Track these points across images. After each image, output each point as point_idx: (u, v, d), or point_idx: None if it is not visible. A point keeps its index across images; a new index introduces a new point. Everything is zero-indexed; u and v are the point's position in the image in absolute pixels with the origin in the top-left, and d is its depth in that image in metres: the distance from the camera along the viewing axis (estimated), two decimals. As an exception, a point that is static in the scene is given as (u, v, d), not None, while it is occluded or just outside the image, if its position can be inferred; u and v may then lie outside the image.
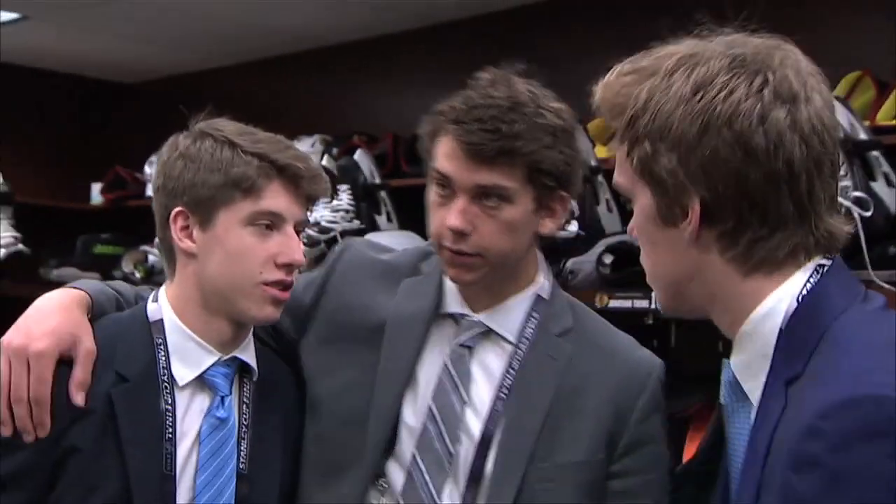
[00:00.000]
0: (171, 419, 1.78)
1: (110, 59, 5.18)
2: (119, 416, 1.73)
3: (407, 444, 1.86)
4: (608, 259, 3.12)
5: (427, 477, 1.84)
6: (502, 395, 1.86)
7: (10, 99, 5.27)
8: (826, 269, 1.42)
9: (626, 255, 3.09)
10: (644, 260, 1.54)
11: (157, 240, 4.62)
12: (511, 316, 1.90)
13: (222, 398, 1.82)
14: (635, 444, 1.86)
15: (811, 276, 1.41)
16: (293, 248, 1.80)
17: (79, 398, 1.71)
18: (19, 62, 5.18)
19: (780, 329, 1.41)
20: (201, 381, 1.82)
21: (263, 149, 1.78)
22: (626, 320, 2.96)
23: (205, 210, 1.78)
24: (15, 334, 1.75)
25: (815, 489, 1.30)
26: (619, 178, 1.50)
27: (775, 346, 1.41)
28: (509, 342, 1.90)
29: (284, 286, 1.80)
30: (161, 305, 1.85)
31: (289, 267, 1.79)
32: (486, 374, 1.90)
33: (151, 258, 4.45)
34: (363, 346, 1.91)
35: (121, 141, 5.36)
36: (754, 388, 1.44)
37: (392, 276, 1.95)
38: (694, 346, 3.07)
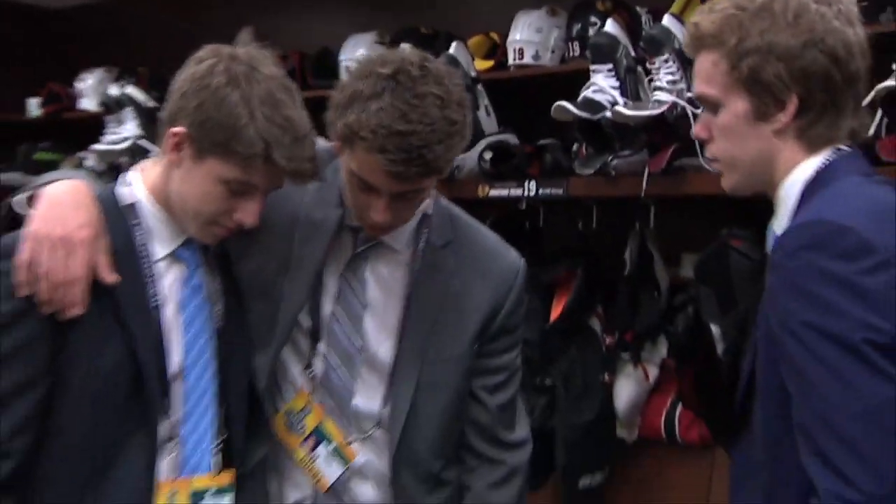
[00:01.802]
0: (153, 288, 1.81)
1: None
2: (116, 287, 1.75)
3: (322, 343, 1.96)
4: (488, 155, 3.35)
5: (339, 367, 1.96)
6: (402, 301, 1.97)
7: None
8: (843, 152, 1.66)
9: (503, 152, 3.37)
10: (725, 153, 1.71)
11: (102, 142, 4.39)
12: (403, 230, 1.96)
13: (193, 269, 1.86)
14: (501, 332, 2.02)
15: (829, 157, 1.65)
16: (253, 213, 1.79)
17: (111, 278, 1.75)
18: None
19: (801, 192, 1.65)
20: (174, 256, 1.84)
21: (272, 135, 1.72)
22: (503, 206, 3.32)
23: (200, 148, 1.75)
24: (50, 224, 1.72)
25: (776, 284, 1.57)
26: (706, 89, 1.68)
27: (796, 203, 1.65)
28: (397, 251, 1.98)
29: (229, 231, 1.82)
30: (135, 190, 1.85)
31: (240, 225, 1.80)
32: (379, 280, 1.98)
33: (87, 163, 4.43)
34: (275, 235, 1.94)
35: (50, 57, 5.29)
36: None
37: None
38: (558, 226, 3.39)
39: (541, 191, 3.26)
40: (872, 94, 2.53)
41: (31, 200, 1.80)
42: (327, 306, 1.95)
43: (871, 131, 2.60)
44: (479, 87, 3.52)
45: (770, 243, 1.71)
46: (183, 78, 1.79)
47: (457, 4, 3.86)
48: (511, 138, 3.46)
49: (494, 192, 3.33)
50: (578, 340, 3.24)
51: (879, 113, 2.57)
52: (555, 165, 3.28)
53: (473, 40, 3.65)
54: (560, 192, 3.22)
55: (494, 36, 3.66)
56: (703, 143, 1.79)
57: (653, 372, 3.17)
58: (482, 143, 3.43)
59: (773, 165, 1.68)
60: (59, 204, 1.75)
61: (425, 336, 1.95)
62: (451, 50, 3.47)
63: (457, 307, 1.97)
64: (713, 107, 1.69)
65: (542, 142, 3.36)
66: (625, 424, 3.21)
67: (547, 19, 3.47)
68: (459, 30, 3.66)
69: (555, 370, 3.22)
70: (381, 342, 1.96)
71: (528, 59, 3.46)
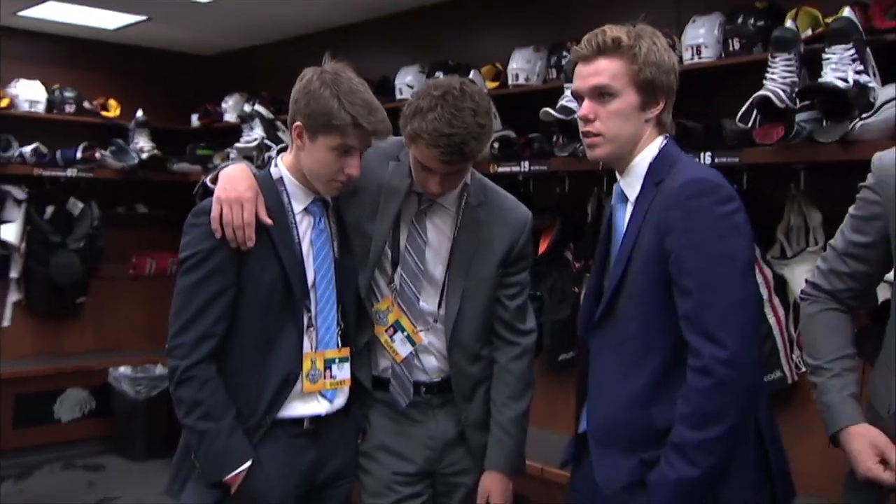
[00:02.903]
0: (295, 230, 1.82)
1: (196, 40, 5.12)
2: (270, 230, 1.77)
3: (399, 267, 1.93)
4: (496, 145, 3.35)
5: (409, 284, 1.93)
6: (452, 242, 1.94)
7: (141, 68, 5.23)
8: (669, 138, 1.66)
9: (506, 143, 3.36)
10: (609, 130, 1.60)
11: (240, 141, 4.38)
12: (451, 195, 1.93)
13: (319, 218, 1.86)
14: (517, 259, 1.99)
15: (665, 139, 1.65)
16: (356, 166, 1.78)
17: (268, 221, 1.77)
18: (147, 45, 5.21)
19: (650, 163, 1.62)
20: (306, 211, 1.84)
21: (356, 111, 1.71)
22: (506, 178, 3.27)
23: (312, 132, 1.75)
24: (227, 190, 1.75)
25: (675, 219, 1.51)
26: (609, 82, 1.59)
27: (647, 170, 1.61)
28: (448, 209, 1.94)
29: (344, 184, 1.81)
30: (280, 169, 1.84)
31: (350, 176, 1.79)
32: (434, 227, 1.94)
33: (232, 155, 4.39)
34: (368, 195, 1.92)
35: (205, 88, 5.31)
36: (632, 192, 1.63)
37: (385, 157, 1.95)
38: (543, 191, 3.37)
39: (532, 167, 3.26)
40: (751, 100, 2.55)
41: (214, 179, 1.84)
42: (402, 243, 1.93)
43: (749, 123, 2.62)
44: (490, 100, 3.53)
45: (614, 198, 1.67)
46: (294, 91, 1.79)
47: (472, 44, 3.84)
48: (510, 133, 3.46)
49: (501, 169, 3.33)
50: (557, 265, 3.24)
51: (755, 112, 2.54)
52: (541, 150, 3.27)
53: (484, 68, 3.64)
54: (545, 168, 3.22)
55: (499, 65, 3.65)
56: (585, 122, 1.64)
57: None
58: (492, 137, 3.29)
59: (635, 143, 1.63)
60: (232, 178, 1.79)
61: (467, 264, 1.93)
62: (471, 75, 3.48)
63: (488, 244, 1.95)
64: (607, 96, 1.60)
65: (531, 135, 3.35)
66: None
67: (534, 54, 3.46)
68: (475, 61, 3.66)
69: (542, 285, 3.21)
70: (435, 266, 1.94)
71: (521, 81, 3.46)
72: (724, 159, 2.66)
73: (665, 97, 1.62)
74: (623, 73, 1.59)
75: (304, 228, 1.83)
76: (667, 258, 1.53)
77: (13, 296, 4.69)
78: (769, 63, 2.53)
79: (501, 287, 1.98)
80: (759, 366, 1.68)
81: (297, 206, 1.83)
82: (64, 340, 4.92)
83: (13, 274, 4.64)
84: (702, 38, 2.84)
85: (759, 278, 2.56)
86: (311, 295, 1.82)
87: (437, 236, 1.94)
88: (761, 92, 2.47)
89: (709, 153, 2.68)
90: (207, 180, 1.87)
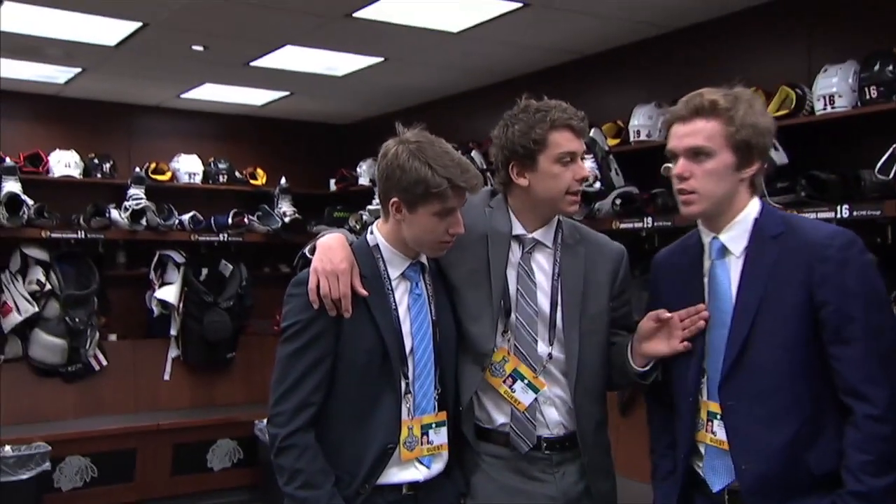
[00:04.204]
0: (392, 297, 1.79)
1: (333, 111, 5.40)
2: (367, 298, 1.76)
3: (513, 313, 1.88)
4: (618, 202, 3.38)
5: (526, 327, 1.87)
6: (554, 279, 1.89)
7: (285, 138, 5.57)
8: (764, 199, 1.71)
9: (628, 199, 3.35)
10: (703, 188, 1.63)
11: (372, 203, 4.66)
12: (549, 233, 1.92)
13: (416, 283, 1.83)
14: (621, 291, 1.95)
15: (759, 199, 1.69)
16: (459, 223, 1.77)
17: (363, 293, 1.76)
18: (289, 117, 5.55)
19: (756, 218, 1.65)
20: (403, 276, 1.82)
21: (450, 173, 1.71)
22: (629, 234, 3.27)
23: (411, 204, 1.74)
24: (323, 262, 1.74)
25: (831, 271, 1.54)
26: (705, 143, 1.62)
27: (752, 226, 1.65)
28: (548, 248, 1.92)
29: (450, 243, 1.80)
30: (376, 236, 1.83)
31: (453, 236, 1.78)
32: (539, 267, 1.90)
33: (365, 217, 4.68)
34: (474, 248, 1.89)
35: (340, 154, 5.52)
36: (737, 246, 1.66)
37: (480, 206, 1.93)
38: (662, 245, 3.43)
39: (655, 223, 3.22)
40: (891, 149, 2.39)
41: (312, 250, 1.83)
42: (512, 287, 1.89)
43: (891, 175, 2.46)
44: (611, 156, 3.51)
45: (712, 253, 1.68)
46: (381, 168, 1.77)
47: (592, 102, 3.84)
48: (633, 189, 3.43)
49: (623, 225, 3.32)
50: None
51: None
52: (664, 206, 3.23)
53: (606, 126, 3.66)
54: (669, 224, 3.17)
55: (620, 122, 3.64)
56: (680, 180, 1.66)
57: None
58: (614, 193, 3.43)
59: (732, 201, 1.66)
60: (328, 249, 1.78)
61: (579, 301, 1.88)
62: (592, 133, 3.47)
63: (594, 279, 1.91)
64: (703, 156, 1.63)
65: (654, 190, 3.31)
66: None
67: (655, 110, 3.44)
68: (595, 120, 3.65)
69: None
70: (546, 307, 1.88)
71: (643, 137, 3.44)
72: (863, 212, 2.57)
73: (760, 158, 1.66)
74: (718, 134, 1.62)
75: (401, 294, 1.81)
76: (817, 309, 1.56)
77: (172, 352, 5.09)
78: (910, 111, 2.42)
79: (610, 318, 1.94)
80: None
81: (394, 273, 1.81)
82: (216, 393, 5.25)
83: (172, 332, 5.04)
84: (835, 87, 2.76)
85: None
86: (409, 361, 1.80)
87: (543, 277, 1.91)
88: (902, 142, 2.35)
89: (846, 206, 2.60)
90: (306, 251, 1.88)
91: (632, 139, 3.47)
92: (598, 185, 3.42)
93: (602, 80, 3.91)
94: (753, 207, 1.67)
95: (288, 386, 1.73)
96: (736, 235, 1.66)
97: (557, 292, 1.88)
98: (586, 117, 1.86)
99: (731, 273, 1.66)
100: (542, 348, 1.87)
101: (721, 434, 1.63)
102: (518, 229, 1.91)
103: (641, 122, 3.44)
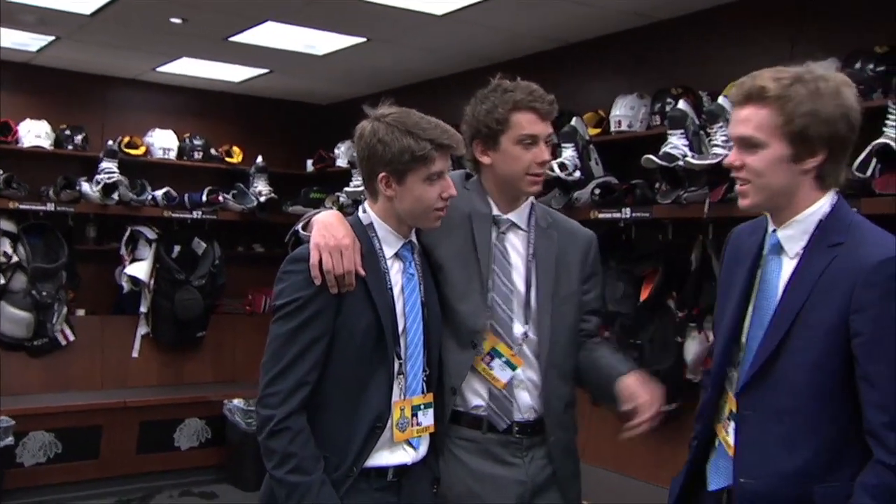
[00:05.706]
0: (387, 276, 1.77)
1: (312, 90, 5.30)
2: (365, 276, 1.74)
3: (490, 292, 1.89)
4: (597, 192, 3.36)
5: (503, 306, 1.88)
6: (528, 260, 1.90)
7: (262, 117, 5.47)
8: (840, 195, 1.52)
9: (607, 189, 3.33)
10: (756, 180, 1.50)
11: (350, 185, 4.54)
12: (523, 215, 1.93)
13: (409, 262, 1.82)
14: (591, 275, 1.97)
15: (836, 196, 1.52)
16: (450, 186, 1.76)
17: (362, 271, 1.73)
18: (268, 95, 5.44)
19: (820, 219, 1.49)
20: (396, 255, 1.80)
21: (431, 135, 1.70)
22: (607, 224, 3.25)
23: (399, 175, 1.72)
24: (326, 237, 1.71)
25: (869, 305, 1.39)
26: (753, 133, 1.48)
27: (815, 228, 1.49)
28: (522, 230, 1.93)
29: (445, 208, 1.78)
30: (369, 214, 1.81)
31: (446, 200, 1.77)
32: (513, 248, 1.91)
33: (342, 199, 4.60)
34: (456, 228, 1.88)
35: (319, 134, 5.40)
36: (793, 247, 1.51)
37: (459, 186, 1.89)
38: (645, 238, 3.29)
39: (633, 214, 3.20)
40: (869, 147, 2.40)
41: (306, 226, 1.81)
42: (489, 267, 1.89)
43: (868, 172, 2.47)
44: (591, 146, 3.49)
45: (768, 249, 1.56)
46: (361, 148, 1.75)
47: (574, 91, 3.82)
48: (612, 179, 3.42)
49: (601, 216, 3.30)
50: (660, 314, 3.18)
51: (874, 160, 2.41)
52: (643, 197, 3.22)
53: (587, 115, 3.64)
54: (647, 215, 3.16)
55: (601, 112, 3.62)
56: (733, 169, 1.55)
57: (711, 335, 3.05)
58: (593, 183, 3.41)
59: (793, 195, 1.51)
60: (329, 225, 1.75)
61: (552, 282, 1.89)
62: (573, 122, 3.46)
63: (565, 261, 1.92)
64: (753, 146, 1.49)
65: (634, 181, 3.30)
66: (691, 371, 3.12)
67: (637, 100, 3.42)
68: (577, 109, 3.64)
69: (643, 334, 3.16)
70: (520, 287, 1.89)
71: (624, 128, 3.42)
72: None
73: (826, 148, 1.47)
74: (768, 124, 1.47)
75: (395, 273, 1.80)
76: (850, 336, 1.42)
77: (142, 329, 4.99)
78: (889, 109, 2.39)
79: (582, 303, 1.95)
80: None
81: (389, 251, 1.80)
82: (185, 372, 5.16)
83: (142, 309, 4.94)
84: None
85: None
86: (402, 341, 1.77)
87: (518, 258, 1.91)
88: (881, 140, 2.36)
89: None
90: (299, 228, 1.85)
91: (612, 129, 3.45)
92: (577, 174, 3.40)
93: (585, 68, 3.89)
94: (821, 206, 1.51)
95: (284, 365, 1.68)
96: (794, 235, 1.52)
97: (532, 273, 1.89)
98: (555, 101, 1.82)
99: (782, 274, 1.52)
100: (518, 328, 1.88)
101: (732, 438, 1.54)
102: (494, 210, 1.92)
103: (623, 113, 3.41)
